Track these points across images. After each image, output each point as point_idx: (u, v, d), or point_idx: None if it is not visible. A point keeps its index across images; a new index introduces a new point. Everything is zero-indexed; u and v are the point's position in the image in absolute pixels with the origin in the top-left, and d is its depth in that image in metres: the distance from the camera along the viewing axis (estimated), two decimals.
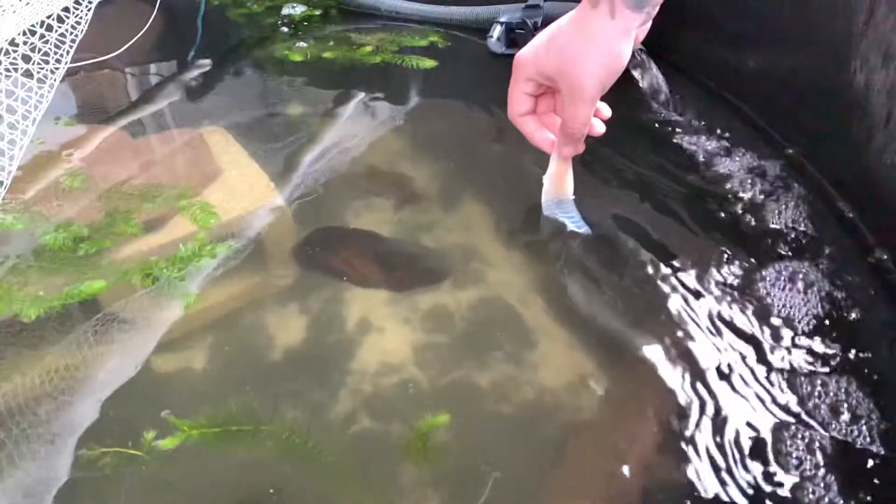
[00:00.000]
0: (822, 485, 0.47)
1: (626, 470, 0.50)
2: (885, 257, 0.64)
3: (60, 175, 0.77)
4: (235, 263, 0.66)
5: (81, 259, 0.67)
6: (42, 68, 0.68)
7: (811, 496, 0.47)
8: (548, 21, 0.87)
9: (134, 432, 0.52)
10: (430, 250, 0.69)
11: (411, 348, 0.59)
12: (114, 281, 0.64)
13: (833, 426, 0.51)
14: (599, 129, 0.64)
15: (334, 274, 0.66)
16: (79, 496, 0.49)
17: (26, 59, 0.67)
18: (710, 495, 0.48)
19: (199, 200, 0.73)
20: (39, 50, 0.68)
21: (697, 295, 0.62)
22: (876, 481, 0.48)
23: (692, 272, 0.64)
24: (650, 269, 0.65)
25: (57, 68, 0.69)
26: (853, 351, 0.56)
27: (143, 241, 0.69)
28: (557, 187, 0.68)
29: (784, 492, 0.48)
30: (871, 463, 0.49)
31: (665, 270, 0.64)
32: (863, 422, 0.51)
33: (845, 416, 0.51)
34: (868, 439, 0.50)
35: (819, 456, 0.49)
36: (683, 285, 0.63)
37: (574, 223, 0.67)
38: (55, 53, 0.70)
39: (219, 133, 0.85)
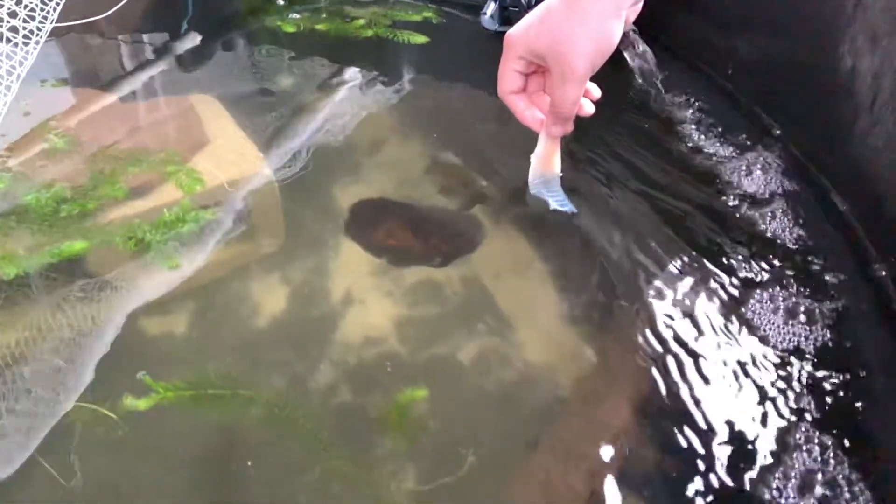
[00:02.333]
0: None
1: (601, 451, 0.50)
2: (885, 273, 0.63)
3: (46, 136, 0.77)
4: (221, 231, 0.66)
5: (64, 220, 0.66)
6: (27, 25, 0.67)
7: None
8: None
9: (112, 392, 0.52)
10: (456, 215, 0.70)
11: (394, 322, 0.59)
12: (96, 243, 0.64)
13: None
14: (589, 109, 0.64)
15: (381, 246, 0.66)
16: (50, 452, 0.49)
17: (12, 14, 0.66)
18: (684, 483, 0.49)
19: (186, 166, 0.73)
20: (26, 6, 0.67)
21: (680, 281, 0.62)
22: None
23: (676, 259, 0.64)
24: (634, 253, 0.65)
25: (42, 25, 0.68)
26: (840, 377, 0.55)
27: (128, 204, 0.69)
28: (545, 166, 0.68)
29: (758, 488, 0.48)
30: None
31: (648, 256, 0.65)
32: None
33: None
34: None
35: (798, 483, 0.49)
36: (666, 272, 0.63)
37: (559, 202, 0.68)
38: (41, 10, 0.69)
39: (209, 102, 0.84)
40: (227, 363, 0.55)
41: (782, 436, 0.51)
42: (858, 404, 0.53)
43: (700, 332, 0.58)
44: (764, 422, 0.52)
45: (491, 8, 0.95)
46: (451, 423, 0.52)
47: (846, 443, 0.50)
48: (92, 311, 0.58)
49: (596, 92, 0.65)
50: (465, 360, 0.56)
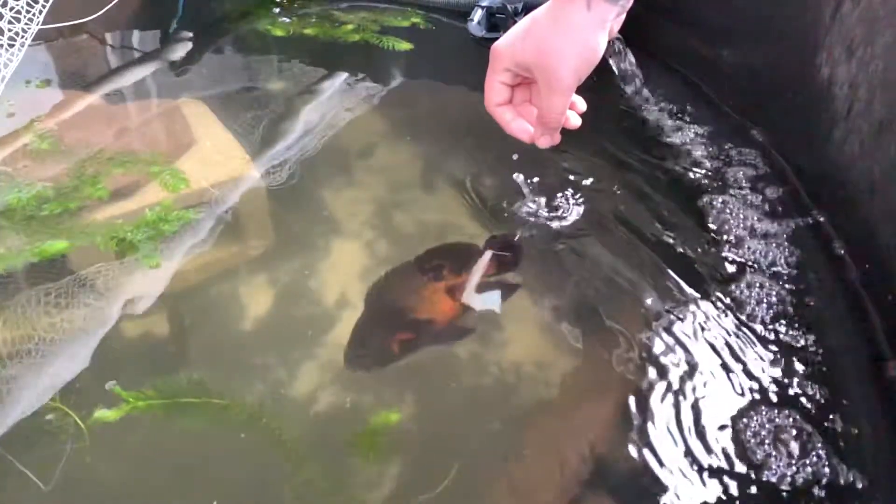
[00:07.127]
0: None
1: (582, 458, 0.51)
2: (843, 250, 0.65)
3: (29, 137, 0.76)
4: (206, 234, 0.66)
5: (45, 220, 0.66)
6: (12, 27, 0.66)
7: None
8: (528, 6, 0.88)
9: (84, 398, 0.52)
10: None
11: None
12: (77, 243, 0.64)
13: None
14: (575, 122, 0.65)
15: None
16: (15, 456, 0.49)
17: None
18: (662, 477, 0.49)
19: (171, 167, 0.73)
20: (12, 8, 0.66)
21: (662, 294, 0.63)
22: None
23: (658, 273, 0.65)
24: (618, 262, 0.65)
25: (28, 27, 0.68)
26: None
27: (111, 205, 0.68)
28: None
29: (739, 484, 0.49)
30: None
31: (632, 267, 0.65)
32: None
33: None
34: None
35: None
36: (648, 286, 0.64)
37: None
38: (27, 12, 0.68)
39: (196, 104, 0.84)
40: (203, 370, 0.55)
41: (763, 452, 0.51)
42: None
43: (682, 345, 0.59)
44: (738, 436, 0.52)
45: (478, 14, 0.96)
46: (433, 432, 0.52)
47: None
48: (70, 313, 0.58)
49: (582, 105, 0.65)
50: (447, 368, 0.57)
